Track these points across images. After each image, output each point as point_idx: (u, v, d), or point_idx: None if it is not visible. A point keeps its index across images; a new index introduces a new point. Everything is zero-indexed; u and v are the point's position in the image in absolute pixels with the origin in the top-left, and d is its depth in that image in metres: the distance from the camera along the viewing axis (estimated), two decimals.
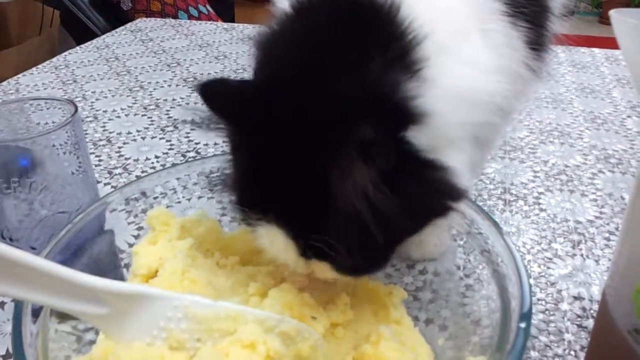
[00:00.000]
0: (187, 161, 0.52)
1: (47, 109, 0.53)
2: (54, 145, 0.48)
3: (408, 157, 0.34)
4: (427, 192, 0.35)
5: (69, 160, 0.50)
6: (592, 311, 0.52)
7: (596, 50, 1.14)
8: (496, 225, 0.42)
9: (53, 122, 0.52)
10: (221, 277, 0.41)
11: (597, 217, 0.64)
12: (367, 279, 0.45)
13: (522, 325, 0.32)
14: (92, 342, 0.38)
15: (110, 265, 0.50)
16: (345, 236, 0.34)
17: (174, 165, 0.51)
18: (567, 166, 0.75)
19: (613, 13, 0.31)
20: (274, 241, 0.36)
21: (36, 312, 0.36)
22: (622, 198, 0.68)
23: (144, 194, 0.50)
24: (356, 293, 0.44)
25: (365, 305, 0.44)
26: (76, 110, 0.50)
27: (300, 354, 0.33)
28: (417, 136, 0.34)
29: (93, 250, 0.47)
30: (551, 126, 0.85)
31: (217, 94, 0.35)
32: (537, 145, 0.80)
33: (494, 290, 0.42)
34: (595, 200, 0.67)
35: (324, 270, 0.38)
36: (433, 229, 0.55)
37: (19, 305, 0.34)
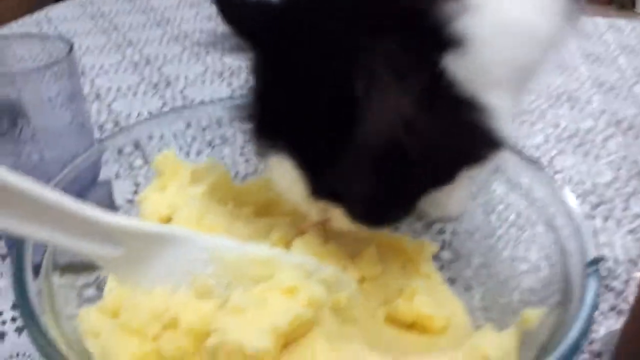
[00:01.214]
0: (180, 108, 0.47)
1: (40, 49, 0.48)
2: (46, 83, 0.44)
3: (442, 90, 0.29)
4: (462, 135, 0.30)
5: (64, 104, 0.46)
6: (617, 273, 0.50)
7: (598, 19, 1.12)
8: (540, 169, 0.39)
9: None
10: (239, 226, 0.37)
11: (614, 180, 0.62)
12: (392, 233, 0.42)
13: (591, 270, 0.29)
14: (92, 299, 0.35)
15: None
16: (361, 174, 0.30)
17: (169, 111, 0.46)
18: (578, 129, 0.72)
19: None
20: (283, 174, 0.33)
21: (36, 268, 0.31)
22: (637, 162, 0.66)
23: (137, 145, 0.46)
24: (383, 247, 0.41)
25: (393, 259, 0.41)
26: (72, 48, 0.45)
27: (337, 305, 0.30)
28: (454, 66, 0.29)
29: (89, 202, 0.43)
30: (559, 91, 0.83)
31: (236, 10, 0.32)
32: (546, 109, 0.78)
33: (541, 241, 0.39)
34: (610, 163, 0.65)
35: (338, 217, 0.34)
36: (457, 184, 0.52)
37: (20, 255, 0.29)
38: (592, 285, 0.28)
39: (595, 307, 0.28)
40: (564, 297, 0.31)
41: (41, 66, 0.44)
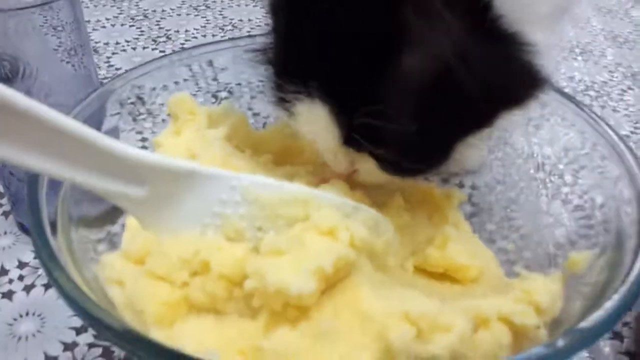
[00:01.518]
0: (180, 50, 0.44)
1: None
2: (51, 27, 0.41)
3: (488, 24, 0.27)
4: (508, 70, 0.29)
5: (67, 45, 0.43)
6: None
7: None
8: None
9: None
10: (260, 173, 0.35)
11: (632, 132, 0.61)
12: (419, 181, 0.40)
13: None
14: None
15: None
16: (402, 111, 0.28)
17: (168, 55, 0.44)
18: (594, 82, 0.70)
19: None
20: (313, 121, 0.30)
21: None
22: None
23: (139, 97, 0.43)
24: (409, 195, 0.39)
25: (419, 208, 0.39)
26: None
27: (373, 250, 0.28)
28: (499, 1, 0.27)
29: None
30: (571, 44, 0.81)
31: None
32: (560, 62, 0.76)
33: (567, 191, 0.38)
34: (628, 115, 0.64)
35: (368, 170, 0.32)
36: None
37: (35, 206, 0.27)
38: None
39: None
40: (616, 236, 0.30)
41: (39, 3, 0.41)
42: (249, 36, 0.58)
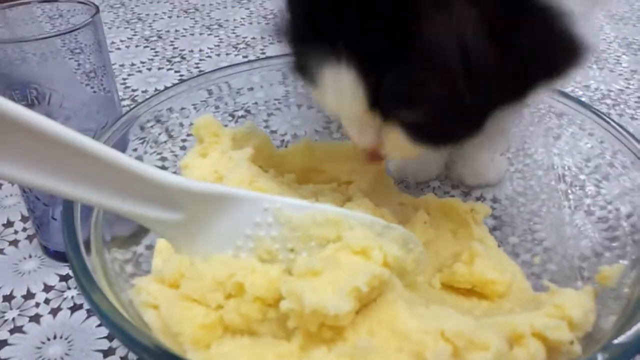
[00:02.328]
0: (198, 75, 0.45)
1: (64, 13, 0.46)
2: (71, 51, 0.41)
3: None
4: (545, 39, 0.27)
5: (88, 72, 0.44)
6: None
7: None
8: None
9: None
10: (286, 192, 0.35)
11: None
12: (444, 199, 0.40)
13: None
14: (132, 275, 0.33)
15: None
16: (434, 74, 0.26)
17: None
18: (610, 90, 0.70)
19: None
20: (339, 87, 0.29)
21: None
22: None
23: (158, 119, 0.44)
24: (433, 211, 0.39)
25: (444, 224, 0.39)
26: (97, 11, 0.43)
27: (403, 269, 0.28)
28: None
29: None
30: None
31: None
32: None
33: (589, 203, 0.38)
34: None
35: (396, 141, 0.31)
36: (489, 149, 0.50)
37: (71, 228, 0.27)
38: None
39: None
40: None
41: (63, 32, 0.41)
42: (265, 58, 0.58)
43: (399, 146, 0.31)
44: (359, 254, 0.26)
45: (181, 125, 0.45)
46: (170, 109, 0.44)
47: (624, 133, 0.38)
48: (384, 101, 0.28)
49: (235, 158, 0.35)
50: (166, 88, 0.44)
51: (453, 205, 0.39)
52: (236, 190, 0.27)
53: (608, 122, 0.39)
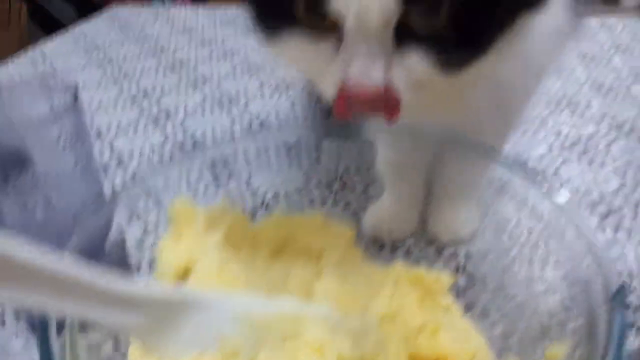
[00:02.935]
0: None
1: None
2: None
3: None
4: None
5: (69, 147, 0.45)
6: (632, 286, 0.50)
7: (590, 18, 1.12)
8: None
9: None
10: (257, 274, 0.37)
11: (621, 187, 0.62)
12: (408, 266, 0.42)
13: (616, 304, 0.28)
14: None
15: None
16: None
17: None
18: (581, 135, 0.72)
19: None
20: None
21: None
22: None
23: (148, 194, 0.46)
24: (400, 283, 0.41)
25: (410, 294, 0.41)
26: (76, 94, 0.45)
27: (362, 356, 0.30)
28: None
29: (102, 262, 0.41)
30: (558, 95, 0.83)
31: None
32: (547, 116, 0.78)
33: (555, 259, 0.39)
34: (616, 169, 0.65)
35: (415, 64, 0.29)
36: (461, 204, 0.51)
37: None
38: (619, 321, 0.28)
39: (622, 344, 0.28)
40: (588, 323, 0.31)
41: (48, 117, 0.43)
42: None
43: (419, 69, 0.29)
44: (316, 351, 0.28)
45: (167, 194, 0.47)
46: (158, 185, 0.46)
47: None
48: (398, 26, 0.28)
49: (207, 243, 0.37)
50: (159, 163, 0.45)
51: (419, 276, 0.41)
52: (197, 294, 0.29)
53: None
